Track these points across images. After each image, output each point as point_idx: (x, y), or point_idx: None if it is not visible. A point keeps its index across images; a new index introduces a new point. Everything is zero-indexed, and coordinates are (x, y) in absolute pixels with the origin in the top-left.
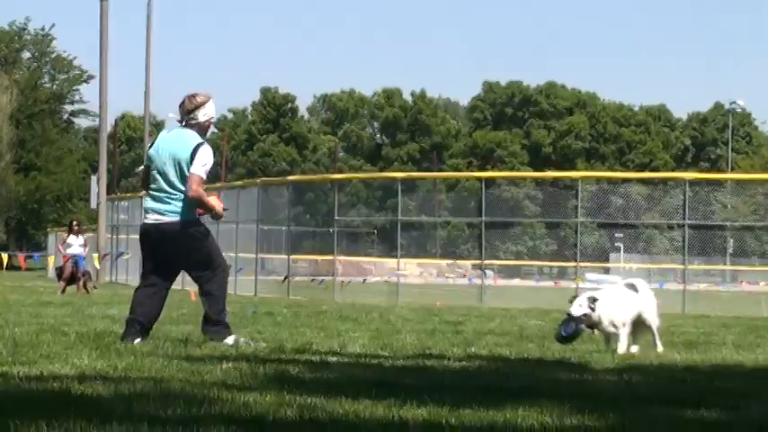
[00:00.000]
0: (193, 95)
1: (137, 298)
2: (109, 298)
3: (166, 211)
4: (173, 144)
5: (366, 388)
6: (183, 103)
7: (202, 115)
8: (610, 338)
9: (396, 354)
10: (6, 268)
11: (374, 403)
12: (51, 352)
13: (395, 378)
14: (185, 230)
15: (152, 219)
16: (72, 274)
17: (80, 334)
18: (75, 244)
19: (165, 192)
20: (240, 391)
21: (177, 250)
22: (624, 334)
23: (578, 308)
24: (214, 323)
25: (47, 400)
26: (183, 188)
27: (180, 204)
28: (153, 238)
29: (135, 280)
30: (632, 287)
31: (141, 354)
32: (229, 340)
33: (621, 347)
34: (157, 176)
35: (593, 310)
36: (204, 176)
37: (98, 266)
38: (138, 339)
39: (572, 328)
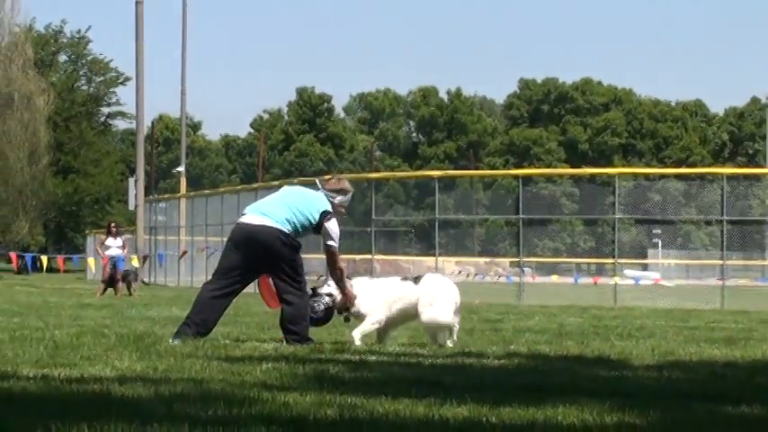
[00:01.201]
0: (341, 180)
1: (202, 299)
2: (148, 299)
3: (274, 218)
4: (309, 193)
5: (406, 387)
6: (329, 179)
7: (339, 200)
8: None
9: (435, 352)
10: (46, 270)
11: (414, 402)
12: (91, 354)
13: (434, 377)
14: (286, 239)
15: (257, 220)
16: (110, 276)
17: (120, 336)
18: (114, 246)
19: (275, 205)
20: (280, 392)
21: (273, 255)
22: (369, 321)
23: (326, 287)
24: (294, 333)
25: (87, 402)
26: (294, 212)
27: (286, 218)
28: (249, 238)
29: (174, 281)
30: (415, 280)
31: (181, 355)
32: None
33: (357, 331)
34: (274, 197)
35: (330, 295)
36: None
37: (136, 266)
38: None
39: (321, 308)
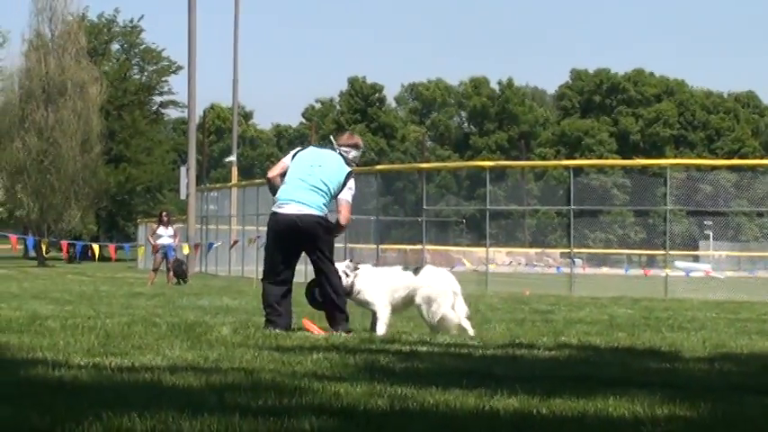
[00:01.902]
0: (354, 135)
1: (273, 301)
2: (199, 289)
3: (310, 204)
4: (327, 159)
5: (456, 378)
6: (341, 135)
7: (353, 155)
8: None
9: (485, 343)
10: (97, 259)
11: (464, 393)
12: (143, 343)
13: (485, 368)
14: (324, 223)
15: (295, 210)
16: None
17: (171, 325)
18: (165, 235)
19: (307, 191)
20: (331, 382)
21: (313, 240)
22: (384, 312)
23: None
24: (341, 311)
25: (138, 390)
26: (324, 193)
27: (321, 203)
28: (292, 228)
29: (225, 270)
30: (415, 271)
31: (232, 345)
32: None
33: (380, 328)
34: (300, 178)
35: (347, 275)
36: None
37: (186, 254)
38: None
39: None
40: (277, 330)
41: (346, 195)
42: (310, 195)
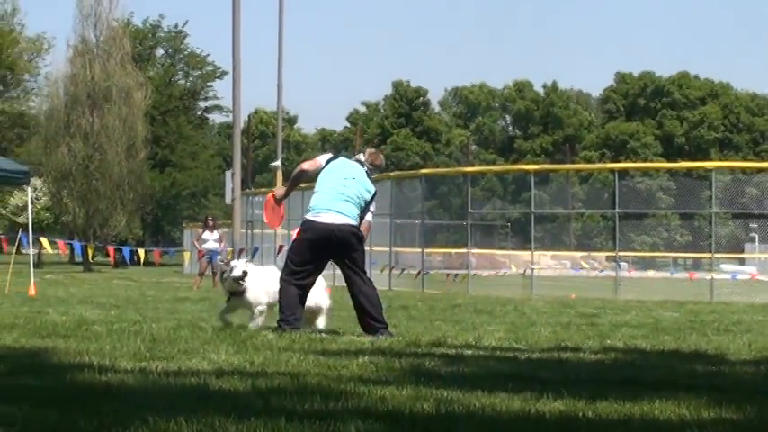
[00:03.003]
0: (380, 155)
1: (292, 303)
2: None
3: (348, 214)
4: (359, 174)
5: (502, 381)
6: (372, 152)
7: (375, 176)
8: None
9: (531, 346)
10: (143, 264)
11: (510, 396)
12: (189, 347)
13: (531, 371)
14: (359, 234)
15: (333, 219)
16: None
17: (217, 329)
18: (210, 239)
19: (344, 202)
20: (376, 385)
21: (348, 250)
22: (261, 312)
23: (236, 270)
24: (379, 320)
25: (185, 395)
26: (358, 206)
27: (356, 214)
28: (328, 237)
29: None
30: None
31: (278, 349)
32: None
33: (255, 324)
34: (337, 189)
35: (242, 280)
36: None
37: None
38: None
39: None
40: (290, 331)
41: (369, 217)
42: (347, 206)
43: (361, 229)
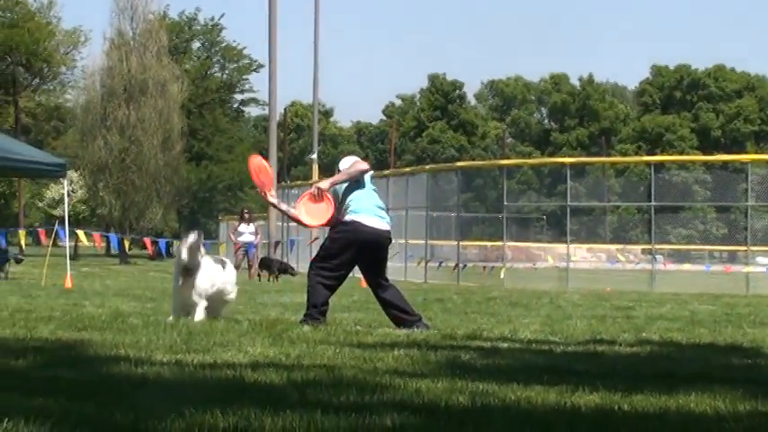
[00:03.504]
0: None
1: (320, 302)
2: (281, 286)
3: (389, 221)
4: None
5: (537, 374)
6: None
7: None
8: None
9: (567, 339)
10: None
11: (546, 389)
12: (225, 340)
13: (566, 364)
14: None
15: (380, 225)
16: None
17: (253, 322)
18: (246, 232)
19: (381, 206)
20: (412, 378)
21: (384, 255)
22: (202, 305)
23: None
24: (412, 313)
25: (221, 387)
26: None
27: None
28: (377, 242)
29: (304, 267)
30: (221, 263)
31: (313, 341)
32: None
33: (198, 316)
34: (372, 191)
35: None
36: None
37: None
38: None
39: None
40: (313, 326)
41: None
42: (385, 212)
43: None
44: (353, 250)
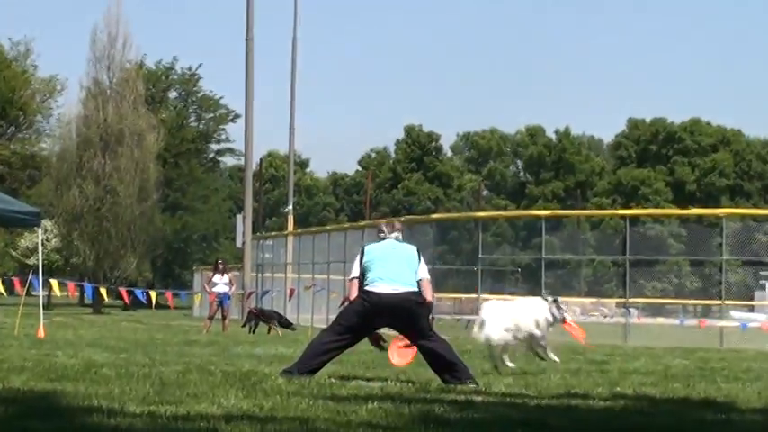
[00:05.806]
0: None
1: (316, 349)
2: (254, 337)
3: (408, 283)
4: (399, 249)
5: (511, 428)
6: (391, 221)
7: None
8: None
9: (540, 393)
10: (155, 306)
11: None
12: (198, 391)
13: (540, 418)
14: (419, 297)
15: (393, 288)
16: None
17: (226, 373)
18: (221, 282)
19: (394, 268)
20: (386, 431)
21: (413, 316)
22: None
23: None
24: (461, 366)
25: None
26: (410, 266)
27: (411, 276)
28: (396, 307)
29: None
30: None
31: (287, 393)
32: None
33: None
34: (382, 267)
35: None
36: None
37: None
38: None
39: None
40: (297, 377)
41: (424, 273)
42: (405, 272)
43: (423, 287)
44: (361, 316)
